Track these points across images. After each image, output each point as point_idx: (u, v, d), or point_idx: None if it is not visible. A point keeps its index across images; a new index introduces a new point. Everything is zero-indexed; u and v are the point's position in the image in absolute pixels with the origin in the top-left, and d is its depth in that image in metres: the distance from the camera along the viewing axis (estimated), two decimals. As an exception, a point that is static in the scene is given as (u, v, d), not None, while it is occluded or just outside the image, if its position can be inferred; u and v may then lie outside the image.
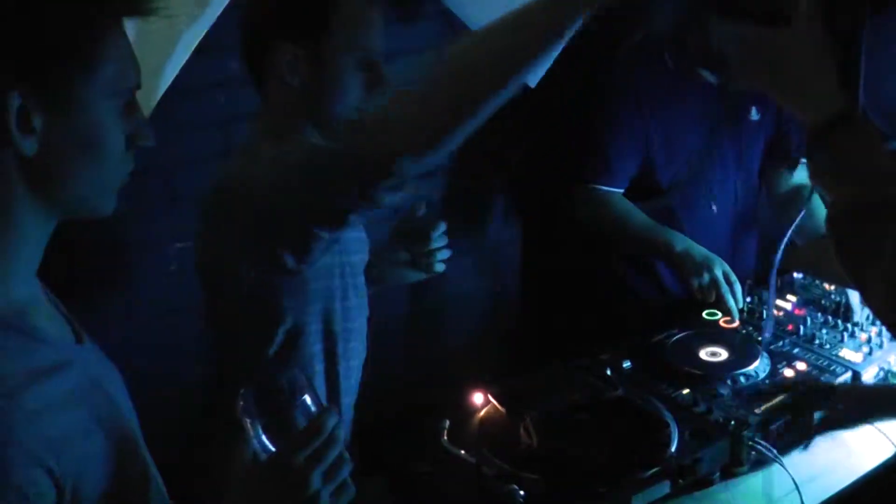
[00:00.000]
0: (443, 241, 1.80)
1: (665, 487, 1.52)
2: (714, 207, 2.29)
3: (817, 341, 1.92)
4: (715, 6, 1.17)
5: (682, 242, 2.16)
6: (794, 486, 1.55)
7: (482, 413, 1.71)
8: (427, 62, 1.27)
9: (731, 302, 2.06)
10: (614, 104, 2.23)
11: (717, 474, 1.58)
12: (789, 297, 2.15)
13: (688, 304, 2.13)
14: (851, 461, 1.65)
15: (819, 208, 2.10)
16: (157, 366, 2.05)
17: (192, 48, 1.79)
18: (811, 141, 1.11)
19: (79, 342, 1.03)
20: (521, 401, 1.67)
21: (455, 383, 1.75)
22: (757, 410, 1.64)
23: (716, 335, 1.96)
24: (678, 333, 1.95)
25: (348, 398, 1.72)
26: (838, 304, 2.06)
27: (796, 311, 2.08)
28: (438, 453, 1.59)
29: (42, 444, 0.87)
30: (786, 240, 1.55)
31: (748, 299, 2.10)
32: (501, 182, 2.76)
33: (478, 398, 1.73)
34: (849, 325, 1.98)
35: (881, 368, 1.85)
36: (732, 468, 1.60)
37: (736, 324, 2.03)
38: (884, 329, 1.91)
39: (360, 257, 1.72)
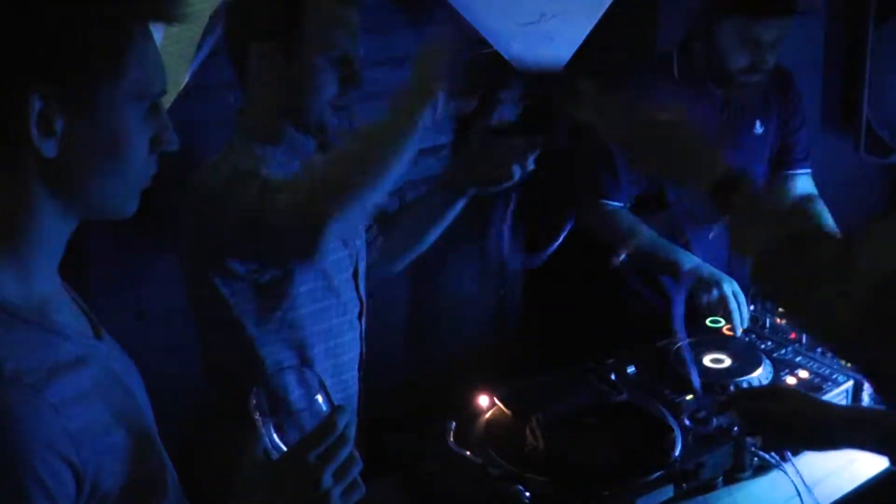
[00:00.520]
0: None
1: (668, 491, 1.53)
2: (719, 221, 2.29)
3: (819, 350, 1.92)
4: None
5: (690, 261, 2.17)
6: (796, 492, 1.56)
7: (488, 415, 1.73)
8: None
9: (738, 321, 2.07)
10: None
11: (720, 479, 1.60)
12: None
13: (692, 311, 2.14)
14: (853, 467, 1.66)
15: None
16: (167, 364, 2.06)
17: (208, 52, 1.81)
18: (714, 208, 1.18)
19: (98, 337, 1.03)
20: (526, 403, 1.69)
21: (461, 386, 1.76)
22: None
23: (719, 342, 1.97)
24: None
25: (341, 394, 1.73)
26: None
27: (799, 319, 2.10)
28: (445, 454, 1.61)
29: (63, 437, 0.88)
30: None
31: (751, 307, 2.12)
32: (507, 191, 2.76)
33: (483, 400, 1.74)
34: (851, 334, 1.98)
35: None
36: (735, 473, 1.62)
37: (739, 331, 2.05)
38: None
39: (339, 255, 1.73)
